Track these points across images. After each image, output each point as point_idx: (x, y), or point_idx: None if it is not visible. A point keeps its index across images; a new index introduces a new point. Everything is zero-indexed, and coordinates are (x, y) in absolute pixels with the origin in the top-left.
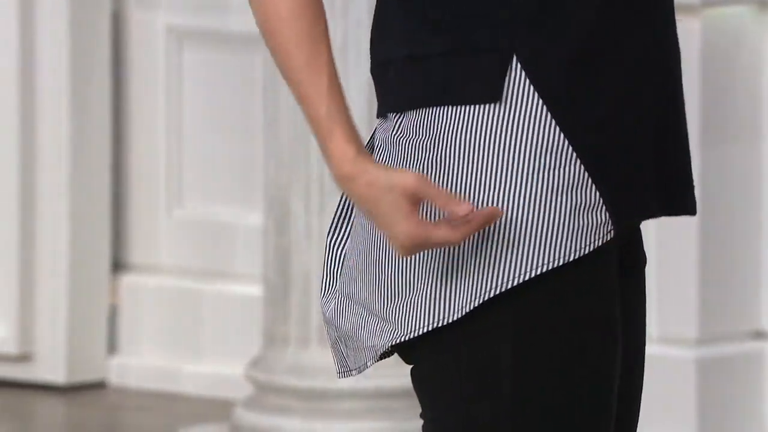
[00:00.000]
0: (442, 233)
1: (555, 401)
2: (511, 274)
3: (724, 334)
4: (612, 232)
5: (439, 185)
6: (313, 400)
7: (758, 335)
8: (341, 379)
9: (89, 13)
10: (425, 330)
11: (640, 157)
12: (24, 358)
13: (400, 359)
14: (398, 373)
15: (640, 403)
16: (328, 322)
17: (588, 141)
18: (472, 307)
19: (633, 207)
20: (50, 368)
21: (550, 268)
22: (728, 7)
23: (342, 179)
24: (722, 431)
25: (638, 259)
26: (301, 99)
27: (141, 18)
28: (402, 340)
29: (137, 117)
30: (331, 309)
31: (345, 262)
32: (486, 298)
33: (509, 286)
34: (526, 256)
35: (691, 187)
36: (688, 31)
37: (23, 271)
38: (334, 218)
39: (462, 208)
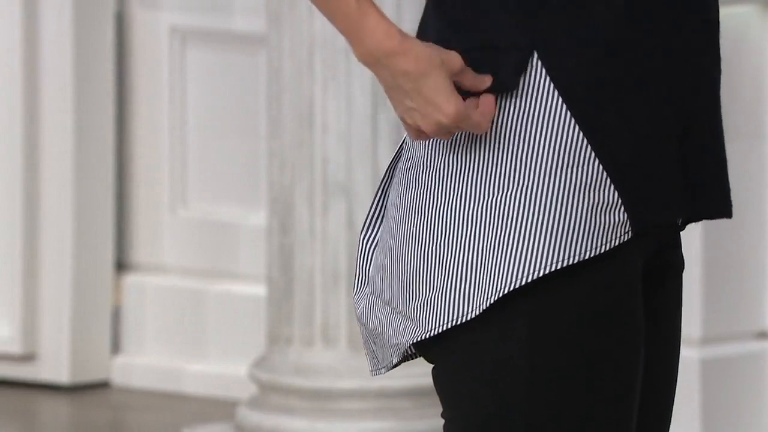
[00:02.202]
0: (477, 116)
1: (570, 404)
2: (526, 271)
3: (728, 334)
4: (630, 232)
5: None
6: (317, 400)
7: (762, 335)
8: (373, 377)
9: (93, 12)
10: (445, 328)
11: (663, 159)
12: (28, 358)
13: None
14: (403, 373)
15: (671, 412)
16: (359, 320)
17: (608, 140)
18: (488, 304)
19: (654, 209)
20: (54, 368)
21: (564, 265)
22: (732, 6)
23: (387, 55)
24: (726, 431)
25: (673, 263)
26: None
27: (144, 18)
28: (424, 337)
29: (141, 117)
30: (362, 307)
31: (374, 261)
32: (500, 295)
33: (522, 283)
34: (541, 253)
35: (727, 189)
36: None
37: (27, 270)
38: (367, 217)
39: (486, 79)
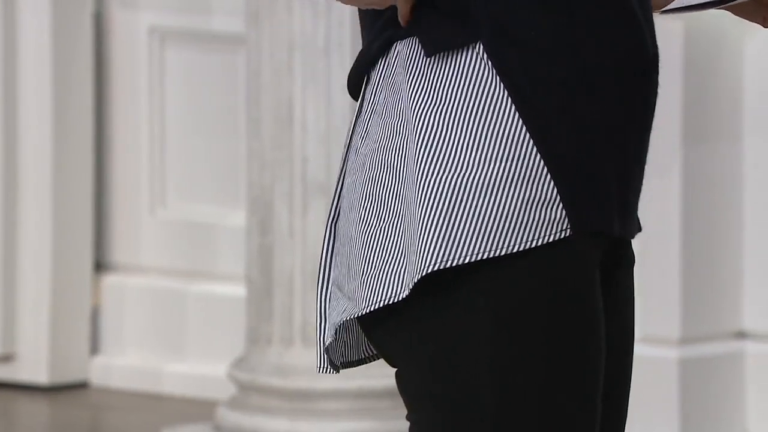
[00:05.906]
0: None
1: (534, 391)
2: (451, 257)
3: (707, 334)
4: (569, 230)
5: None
6: (297, 401)
7: (740, 335)
8: (323, 375)
9: (71, 13)
10: (374, 307)
11: (604, 162)
12: (6, 358)
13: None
14: (381, 374)
15: (628, 403)
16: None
17: (551, 136)
18: (413, 284)
19: (593, 209)
20: (33, 368)
21: (489, 255)
22: (710, 10)
23: None
24: (704, 431)
25: (624, 257)
26: None
27: (123, 18)
28: (355, 315)
29: (119, 117)
30: (325, 300)
31: (333, 249)
32: (424, 274)
33: (447, 266)
34: (468, 240)
35: (636, 210)
36: (671, 32)
37: (6, 271)
38: (330, 207)
39: None
